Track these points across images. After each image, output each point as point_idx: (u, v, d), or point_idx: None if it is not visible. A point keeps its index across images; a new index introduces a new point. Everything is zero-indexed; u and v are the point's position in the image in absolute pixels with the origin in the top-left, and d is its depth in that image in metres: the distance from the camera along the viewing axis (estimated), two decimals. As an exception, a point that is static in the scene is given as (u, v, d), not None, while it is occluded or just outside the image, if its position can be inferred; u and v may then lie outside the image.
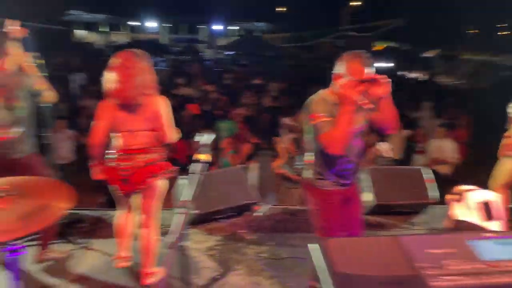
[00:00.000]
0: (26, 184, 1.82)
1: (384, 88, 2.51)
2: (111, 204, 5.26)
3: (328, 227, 2.71)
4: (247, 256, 3.80)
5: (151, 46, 27.80)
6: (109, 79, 2.98)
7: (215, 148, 7.01)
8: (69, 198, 1.74)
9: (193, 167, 1.56)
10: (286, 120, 9.44)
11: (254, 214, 4.58)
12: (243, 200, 4.52)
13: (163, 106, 3.05)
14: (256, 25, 40.72)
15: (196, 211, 4.17)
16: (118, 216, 3.37)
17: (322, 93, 2.72)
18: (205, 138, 1.72)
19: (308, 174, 2.88)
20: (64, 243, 3.95)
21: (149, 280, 3.31)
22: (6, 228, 1.52)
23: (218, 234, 4.18)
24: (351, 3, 32.58)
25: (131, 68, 2.92)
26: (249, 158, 6.92)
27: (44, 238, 3.57)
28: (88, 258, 3.76)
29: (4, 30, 3.32)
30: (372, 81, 2.47)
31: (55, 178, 4.04)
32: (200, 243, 4.00)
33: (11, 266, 1.71)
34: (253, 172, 5.72)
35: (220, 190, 4.44)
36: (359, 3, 33.46)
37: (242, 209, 4.55)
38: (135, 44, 29.17)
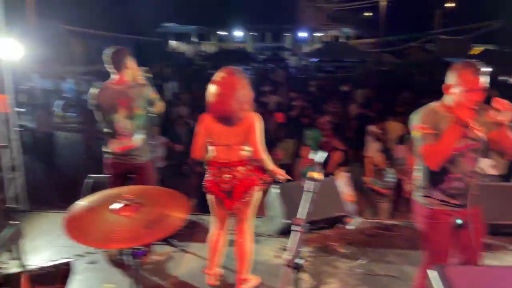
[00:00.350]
0: (146, 193, 1.97)
1: (506, 115, 2.31)
2: (202, 208, 5.49)
3: (437, 250, 2.56)
4: (339, 270, 3.74)
5: (238, 55, 28.65)
6: (211, 92, 3.12)
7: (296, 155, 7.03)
8: (185, 207, 1.85)
9: (307, 185, 1.58)
10: (373, 128, 9.15)
11: (346, 226, 4.49)
12: (335, 212, 4.45)
13: (257, 123, 3.12)
14: (342, 31, 40.07)
15: (287, 221, 4.21)
16: (212, 233, 3.47)
17: (433, 105, 2.60)
18: (319, 156, 1.72)
19: (415, 189, 2.75)
20: (164, 246, 4.20)
21: (244, 286, 3.41)
22: (131, 235, 1.65)
23: (312, 245, 4.16)
24: (444, 5, 30.77)
25: (231, 83, 3.03)
26: (339, 166, 6.80)
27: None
28: (186, 261, 3.96)
29: (122, 47, 3.65)
30: (490, 106, 2.29)
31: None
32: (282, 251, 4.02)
33: (134, 271, 1.87)
34: (343, 181, 5.62)
35: (314, 200, 4.41)
36: (453, 4, 31.45)
37: (334, 221, 4.48)
38: (222, 53, 30.27)
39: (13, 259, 3.22)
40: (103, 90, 3.60)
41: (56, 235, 4.28)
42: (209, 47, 42.52)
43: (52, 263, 1.73)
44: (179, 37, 43.09)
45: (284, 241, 4.23)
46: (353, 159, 9.77)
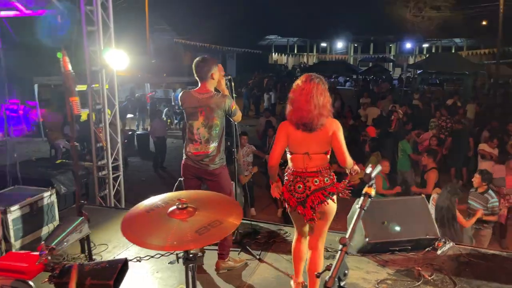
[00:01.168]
0: (203, 198, 1.99)
1: None
2: (286, 219, 5.44)
3: None
4: (423, 298, 3.40)
5: (338, 66, 28.27)
6: (290, 99, 3.09)
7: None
8: (239, 215, 1.82)
9: (360, 201, 1.45)
10: (485, 147, 8.29)
11: (436, 251, 4.09)
12: (423, 233, 4.09)
13: (338, 130, 3.01)
14: (453, 41, 37.34)
15: (367, 239, 3.97)
16: (295, 240, 3.40)
17: None
18: (376, 171, 1.58)
19: None
20: (242, 252, 4.23)
21: None
22: (186, 238, 1.66)
23: (391, 267, 3.87)
24: None
25: (309, 90, 2.97)
26: (435, 186, 6.30)
27: (223, 247, 3.87)
28: (262, 270, 3.93)
29: (209, 57, 3.78)
30: None
31: (238, 191, 4.35)
32: (370, 274, 3.77)
33: (188, 274, 1.88)
34: (437, 203, 5.17)
35: (398, 219, 4.11)
36: None
37: (420, 244, 4.11)
38: (322, 64, 30.13)
39: (82, 252, 3.50)
40: (187, 97, 3.76)
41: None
42: (309, 59, 42.67)
43: (108, 259, 1.81)
44: (281, 49, 43.93)
45: (364, 260, 4.01)
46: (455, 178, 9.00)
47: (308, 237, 3.33)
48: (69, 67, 3.26)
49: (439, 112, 10.97)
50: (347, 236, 1.29)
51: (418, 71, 24.26)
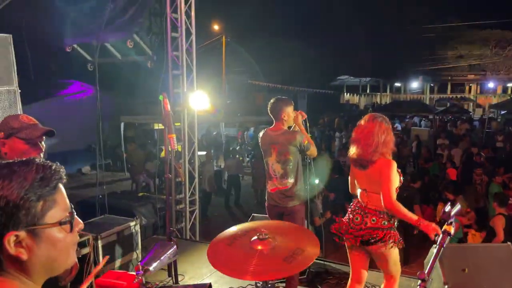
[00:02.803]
0: (280, 228, 2.09)
1: None
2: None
3: None
4: None
5: (413, 106, 27.44)
6: (351, 139, 3.20)
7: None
8: (317, 244, 1.90)
9: (439, 239, 1.46)
10: None
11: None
12: (510, 285, 3.80)
13: (388, 169, 2.98)
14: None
15: (446, 287, 3.77)
16: (348, 285, 3.37)
17: None
18: (455, 209, 1.58)
19: None
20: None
21: None
22: (271, 268, 1.76)
23: (474, 319, 3.63)
24: None
25: (369, 128, 3.03)
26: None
27: (289, 285, 3.90)
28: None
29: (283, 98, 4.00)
30: None
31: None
32: (450, 324, 3.56)
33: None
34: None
35: (480, 267, 3.87)
36: None
37: (507, 296, 3.82)
38: (396, 104, 29.44)
39: (169, 275, 3.70)
40: (263, 136, 4.00)
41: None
42: (382, 98, 41.92)
43: (194, 283, 1.95)
44: (352, 89, 43.74)
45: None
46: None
47: (362, 284, 3.31)
48: (169, 107, 3.65)
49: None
50: (425, 272, 1.32)
51: (502, 112, 22.83)
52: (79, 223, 1.03)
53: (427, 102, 36.26)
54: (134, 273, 1.98)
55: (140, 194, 8.62)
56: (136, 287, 1.94)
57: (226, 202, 11.47)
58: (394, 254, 3.08)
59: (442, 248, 1.41)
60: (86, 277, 3.83)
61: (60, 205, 0.97)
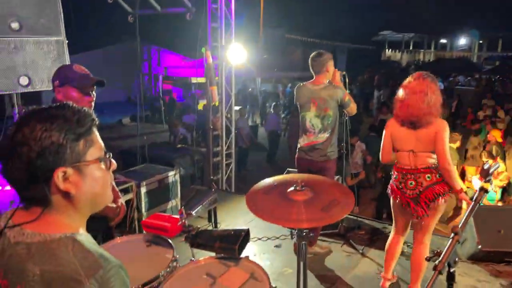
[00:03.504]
0: (317, 181, 2.15)
1: None
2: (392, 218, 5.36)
3: None
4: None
5: (459, 64, 26.21)
6: (398, 97, 3.09)
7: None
8: (352, 196, 1.96)
9: (475, 195, 1.47)
10: None
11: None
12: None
13: (443, 131, 2.91)
14: None
15: (480, 247, 3.78)
16: (391, 238, 3.42)
17: None
18: (494, 167, 1.57)
19: None
20: (345, 245, 4.33)
21: None
22: (309, 217, 1.83)
23: (505, 279, 3.65)
24: None
25: (421, 87, 2.94)
26: None
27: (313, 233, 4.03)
28: (364, 264, 3.99)
29: (325, 52, 3.95)
30: None
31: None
32: (481, 283, 3.61)
33: (300, 251, 2.08)
34: None
35: (517, 229, 3.85)
36: None
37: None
38: (440, 62, 28.17)
39: (209, 221, 3.89)
40: (301, 89, 3.98)
41: (252, 217, 4.89)
42: (425, 56, 40.09)
43: (233, 228, 2.07)
44: (395, 45, 41.98)
45: (475, 268, 3.83)
46: None
47: (405, 236, 3.36)
48: (211, 60, 3.69)
49: None
50: (459, 226, 1.35)
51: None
52: (113, 163, 1.14)
53: (475, 61, 34.44)
54: (177, 216, 2.12)
55: (179, 145, 8.87)
56: (179, 229, 2.08)
57: (267, 158, 11.58)
58: (443, 206, 3.09)
59: (478, 205, 1.43)
60: (129, 221, 4.10)
61: (97, 144, 1.08)
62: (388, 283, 3.49)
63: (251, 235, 4.46)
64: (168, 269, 1.97)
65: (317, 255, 4.11)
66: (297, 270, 2.20)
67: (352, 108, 3.96)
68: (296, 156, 4.11)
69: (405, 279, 3.59)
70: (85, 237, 1.05)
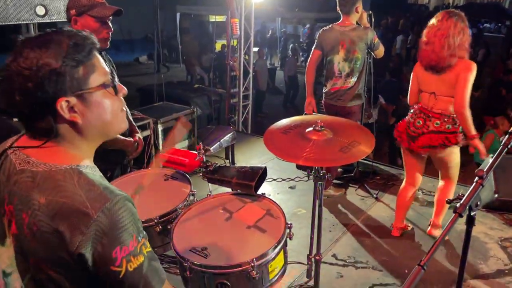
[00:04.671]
0: (338, 122, 2.11)
1: None
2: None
3: None
4: (552, 264, 3.20)
5: (490, 9, 24.82)
6: (422, 39, 2.94)
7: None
8: (372, 139, 1.92)
9: (505, 139, 1.42)
10: None
11: None
12: None
13: (467, 72, 2.75)
14: None
15: (496, 196, 3.76)
16: (402, 186, 3.42)
17: None
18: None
19: None
20: (359, 189, 4.35)
21: (435, 232, 3.41)
22: (327, 156, 1.81)
23: (518, 228, 3.66)
24: None
25: (443, 29, 2.76)
26: None
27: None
28: (377, 208, 4.03)
29: None
30: None
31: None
32: (493, 231, 3.62)
33: (316, 191, 2.08)
34: None
35: (536, 180, 3.79)
36: None
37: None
38: (471, 6, 26.70)
39: (227, 158, 3.93)
40: (328, 31, 3.80)
41: (267, 158, 4.92)
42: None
43: (251, 165, 2.07)
44: (424, -13, 39.80)
45: (489, 216, 3.84)
46: None
47: (416, 186, 3.36)
48: None
49: None
50: (484, 170, 1.31)
51: None
52: (123, 88, 1.08)
53: (507, 6, 32.58)
54: (195, 152, 2.13)
55: (196, 85, 8.81)
56: (197, 165, 2.09)
57: (284, 101, 11.45)
58: (456, 157, 3.05)
59: (506, 149, 1.38)
60: (147, 158, 4.16)
61: (99, 69, 1.02)
62: (399, 232, 3.53)
63: (267, 176, 4.56)
64: (185, 203, 2.00)
65: (331, 198, 4.16)
66: (312, 209, 2.22)
67: (380, 51, 3.82)
68: (323, 102, 4.04)
69: (420, 225, 3.64)
70: (90, 169, 1.02)
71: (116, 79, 2.45)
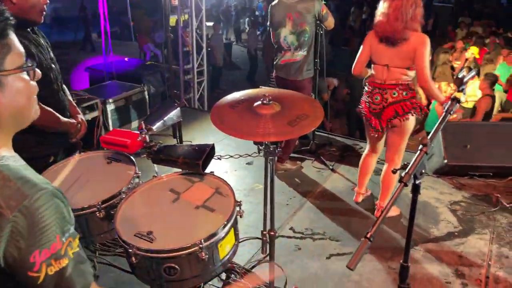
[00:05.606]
0: (287, 96, 2.05)
1: None
2: (362, 136, 5.43)
3: None
4: (497, 223, 3.35)
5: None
6: (378, 10, 2.92)
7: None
8: (321, 111, 1.87)
9: (448, 105, 1.41)
10: None
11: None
12: (511, 162, 3.88)
13: (423, 47, 2.79)
14: None
15: (446, 161, 3.87)
16: (365, 154, 3.45)
17: None
18: (469, 76, 1.49)
19: None
20: (316, 162, 4.37)
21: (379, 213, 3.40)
22: (275, 130, 1.75)
23: (467, 191, 3.80)
24: None
25: (397, 2, 2.76)
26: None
27: (283, 152, 4.03)
28: (333, 179, 4.06)
29: None
30: None
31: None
32: (444, 195, 3.74)
33: (267, 166, 2.03)
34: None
35: (483, 144, 3.93)
36: None
37: (505, 172, 3.93)
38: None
39: (174, 137, 3.81)
40: (275, 6, 3.73)
41: (224, 135, 4.83)
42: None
43: (198, 143, 1.99)
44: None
45: (439, 181, 3.96)
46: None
47: (378, 153, 3.39)
48: None
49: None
50: (428, 137, 1.30)
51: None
52: (38, 72, 0.99)
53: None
54: (137, 132, 2.01)
55: (148, 62, 8.50)
56: (139, 145, 1.98)
57: (247, 77, 11.25)
58: (411, 125, 3.07)
59: (449, 115, 1.37)
60: (96, 140, 3.98)
61: (15, 51, 0.91)
62: (361, 197, 3.60)
63: (223, 153, 4.50)
64: (129, 186, 1.90)
65: (288, 171, 4.16)
66: (264, 185, 2.18)
67: (330, 22, 3.77)
68: (273, 75, 3.98)
69: (376, 194, 3.70)
70: (8, 160, 0.90)
71: (49, 57, 2.29)
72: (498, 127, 4.26)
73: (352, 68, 3.18)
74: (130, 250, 1.59)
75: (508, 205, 3.56)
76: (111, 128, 4.24)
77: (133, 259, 1.59)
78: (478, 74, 6.72)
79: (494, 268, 2.85)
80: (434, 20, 13.86)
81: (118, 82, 4.96)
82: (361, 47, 3.12)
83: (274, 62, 3.90)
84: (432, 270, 2.83)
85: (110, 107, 4.27)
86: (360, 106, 3.21)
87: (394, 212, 3.38)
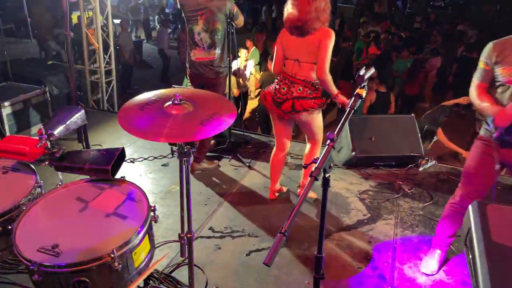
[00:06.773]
0: (199, 95, 2.02)
1: None
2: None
3: None
4: (400, 208, 3.63)
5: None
6: (287, 6, 3.00)
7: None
8: (234, 110, 1.87)
9: (351, 101, 1.48)
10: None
11: (419, 168, 4.28)
12: (409, 151, 4.23)
13: (327, 39, 2.91)
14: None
15: (354, 153, 4.11)
16: (273, 153, 3.55)
17: None
18: (369, 73, 1.59)
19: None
20: (233, 160, 4.39)
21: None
22: (186, 130, 1.70)
23: (374, 180, 4.07)
24: None
25: None
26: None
27: (199, 151, 4.01)
28: (251, 176, 4.11)
29: None
30: None
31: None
32: (353, 185, 3.97)
33: (182, 168, 1.98)
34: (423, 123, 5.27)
35: (385, 136, 4.24)
36: None
37: (405, 161, 4.28)
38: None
39: (79, 141, 3.60)
40: (188, 1, 3.66)
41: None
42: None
43: (106, 148, 1.88)
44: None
45: (349, 173, 4.19)
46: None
47: (285, 151, 3.49)
48: None
49: (440, 36, 10.72)
50: (335, 133, 1.35)
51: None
52: None
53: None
54: (37, 138, 1.85)
55: (50, 62, 7.90)
56: (40, 152, 1.82)
57: (160, 76, 10.87)
58: (318, 120, 3.21)
59: (353, 111, 1.44)
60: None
61: None
62: (276, 194, 3.68)
63: (136, 156, 4.33)
64: (30, 197, 1.74)
65: (206, 171, 4.12)
66: (179, 187, 2.13)
67: (240, 20, 3.83)
68: (188, 72, 3.90)
69: (291, 188, 3.81)
70: None
71: None
72: (397, 119, 4.60)
73: (273, 68, 3.26)
74: (32, 268, 1.45)
75: (409, 191, 3.88)
76: (7, 134, 3.86)
77: (36, 276, 1.46)
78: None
79: (399, 251, 3.09)
80: (340, 20, 14.65)
81: (14, 84, 4.53)
82: (275, 47, 3.21)
83: (189, 59, 3.83)
84: (345, 257, 2.99)
85: (6, 111, 3.88)
86: (263, 92, 3.31)
87: (312, 196, 3.56)
